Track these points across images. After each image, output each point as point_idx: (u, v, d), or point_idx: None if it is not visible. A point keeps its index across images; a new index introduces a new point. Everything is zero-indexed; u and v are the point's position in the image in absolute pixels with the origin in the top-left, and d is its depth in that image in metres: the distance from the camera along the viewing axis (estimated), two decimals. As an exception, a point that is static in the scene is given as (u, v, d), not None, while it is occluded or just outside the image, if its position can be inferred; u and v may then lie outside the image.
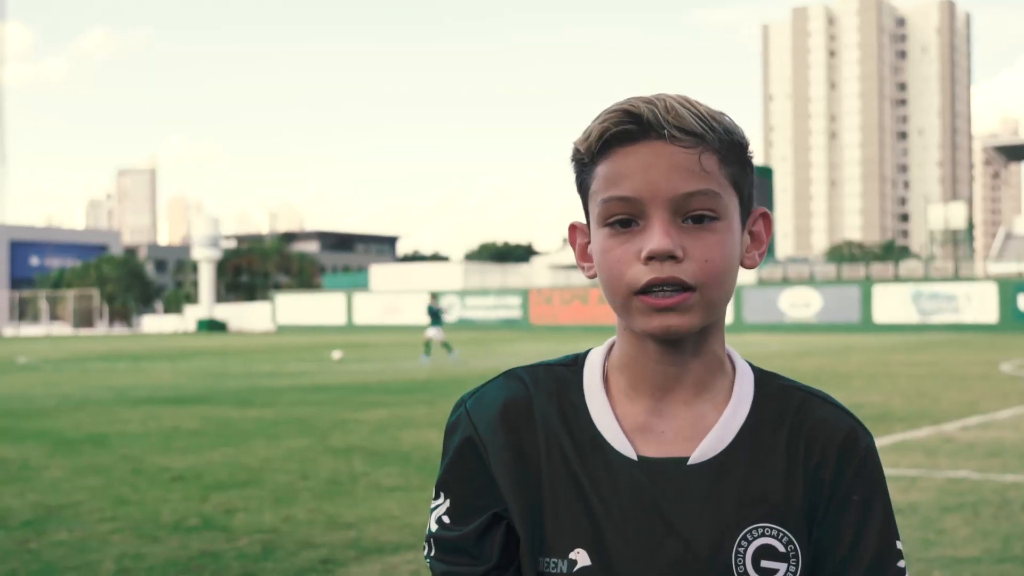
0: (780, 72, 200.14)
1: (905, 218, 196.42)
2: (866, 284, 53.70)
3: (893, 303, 52.22)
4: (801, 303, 54.68)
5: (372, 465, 9.87)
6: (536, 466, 1.37)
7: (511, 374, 1.44)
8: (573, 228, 1.43)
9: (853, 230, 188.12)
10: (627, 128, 1.28)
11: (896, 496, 7.80)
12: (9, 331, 79.88)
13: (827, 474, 1.35)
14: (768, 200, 68.33)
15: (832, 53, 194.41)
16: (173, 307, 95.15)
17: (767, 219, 1.40)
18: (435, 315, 29.61)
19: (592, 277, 1.37)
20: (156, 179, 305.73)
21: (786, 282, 58.48)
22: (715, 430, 1.34)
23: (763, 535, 1.32)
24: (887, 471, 7.71)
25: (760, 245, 1.39)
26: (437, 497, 1.43)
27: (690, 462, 1.33)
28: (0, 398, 17.85)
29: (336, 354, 31.44)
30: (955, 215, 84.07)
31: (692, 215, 1.28)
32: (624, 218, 1.29)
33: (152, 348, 42.08)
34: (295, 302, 74.51)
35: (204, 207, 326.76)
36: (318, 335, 58.38)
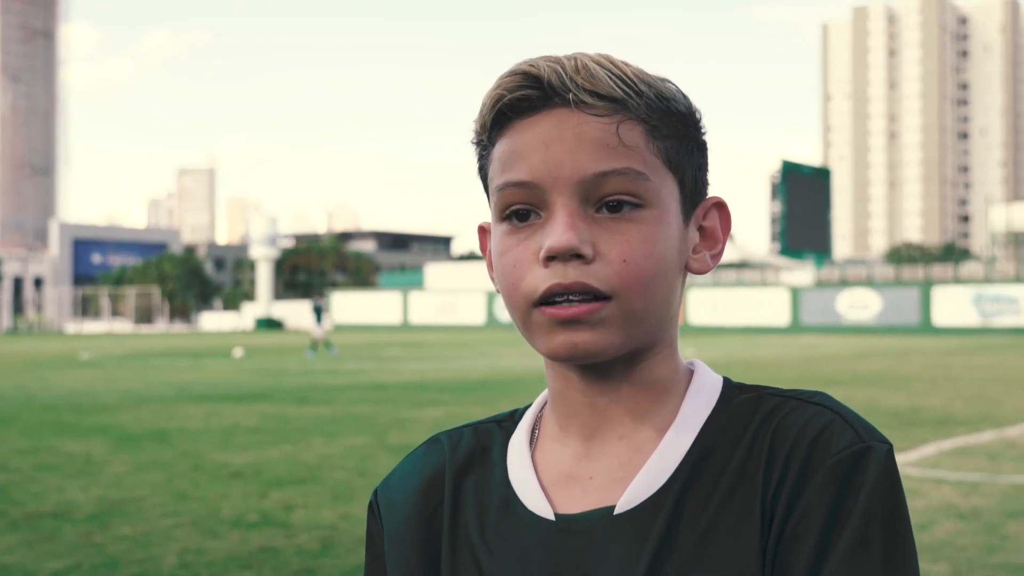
0: (839, 71, 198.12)
1: (966, 219, 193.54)
2: (926, 286, 53.00)
3: (954, 305, 51.50)
4: (860, 305, 54.10)
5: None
6: (437, 558, 1.10)
7: (432, 441, 1.18)
8: (482, 231, 1.13)
9: (913, 231, 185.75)
10: (525, 94, 1.00)
11: (958, 501, 7.67)
12: (72, 327, 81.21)
13: (787, 487, 0.98)
14: (826, 201, 67.61)
15: (892, 52, 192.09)
16: (231, 305, 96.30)
17: (724, 211, 1.09)
18: (318, 313, 30.57)
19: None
20: (215, 178, 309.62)
21: (844, 283, 57.89)
22: (649, 464, 1.03)
23: None
24: (947, 474, 7.53)
25: (714, 244, 1.08)
26: None
27: (617, 511, 1.02)
28: (64, 393, 18.16)
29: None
30: (1018, 216, 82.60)
31: (608, 202, 0.99)
32: (522, 209, 1.01)
33: (211, 345, 42.57)
34: (351, 301, 75.09)
35: (262, 206, 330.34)
36: (374, 334, 58.73)
